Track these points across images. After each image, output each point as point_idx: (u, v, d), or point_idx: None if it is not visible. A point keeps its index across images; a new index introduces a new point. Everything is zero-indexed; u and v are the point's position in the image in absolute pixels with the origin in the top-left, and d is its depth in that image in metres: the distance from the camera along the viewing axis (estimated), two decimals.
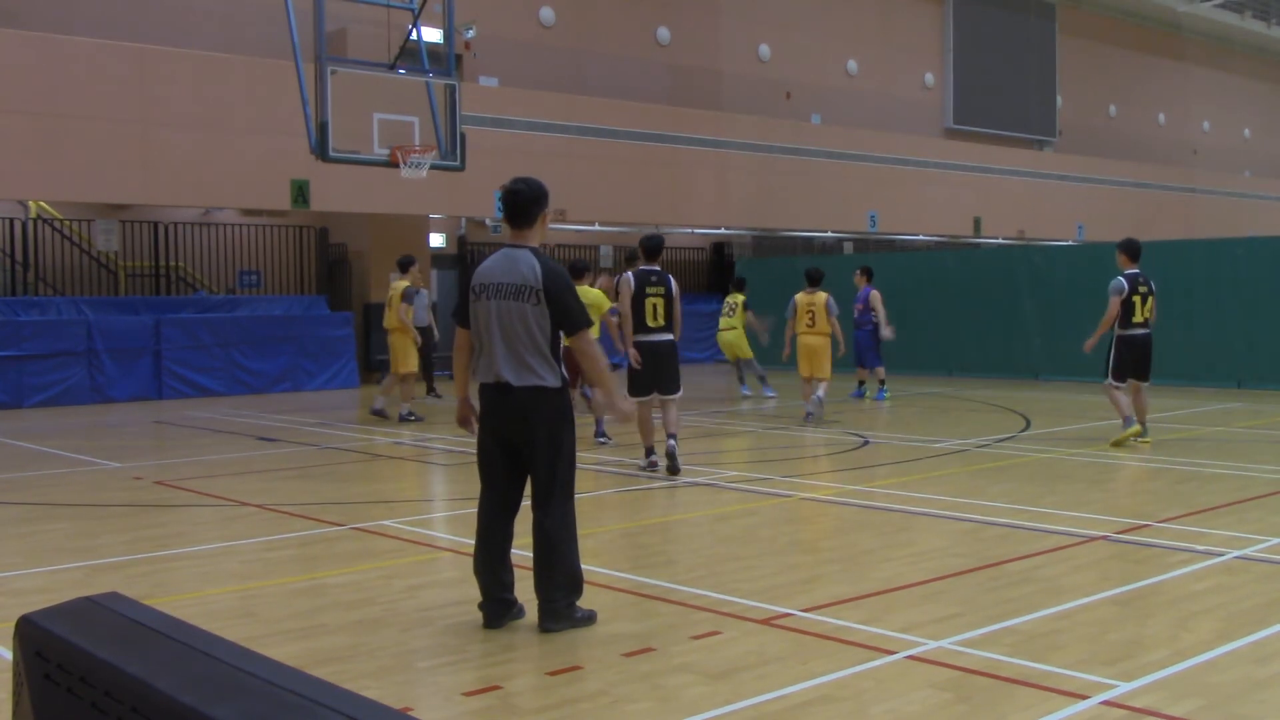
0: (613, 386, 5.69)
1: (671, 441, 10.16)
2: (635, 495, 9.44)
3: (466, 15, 20.67)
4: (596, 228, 24.96)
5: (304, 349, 19.78)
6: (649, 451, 10.39)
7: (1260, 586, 6.27)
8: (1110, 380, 11.72)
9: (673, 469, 10.03)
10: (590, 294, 12.05)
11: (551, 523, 5.50)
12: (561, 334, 5.61)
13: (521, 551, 5.69)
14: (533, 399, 5.46)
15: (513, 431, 5.53)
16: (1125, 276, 11.62)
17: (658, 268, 10.37)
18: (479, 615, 5.64)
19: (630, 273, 10.41)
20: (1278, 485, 9.35)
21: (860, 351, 17.05)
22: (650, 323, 10.25)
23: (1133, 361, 11.64)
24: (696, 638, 5.34)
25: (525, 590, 5.66)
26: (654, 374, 10.30)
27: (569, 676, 4.86)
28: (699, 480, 10.03)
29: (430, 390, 17.73)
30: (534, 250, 5.57)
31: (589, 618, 5.60)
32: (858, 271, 17.58)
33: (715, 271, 29.30)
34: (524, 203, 5.62)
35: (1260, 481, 9.54)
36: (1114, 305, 11.57)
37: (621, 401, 5.80)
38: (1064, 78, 36.24)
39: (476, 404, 5.75)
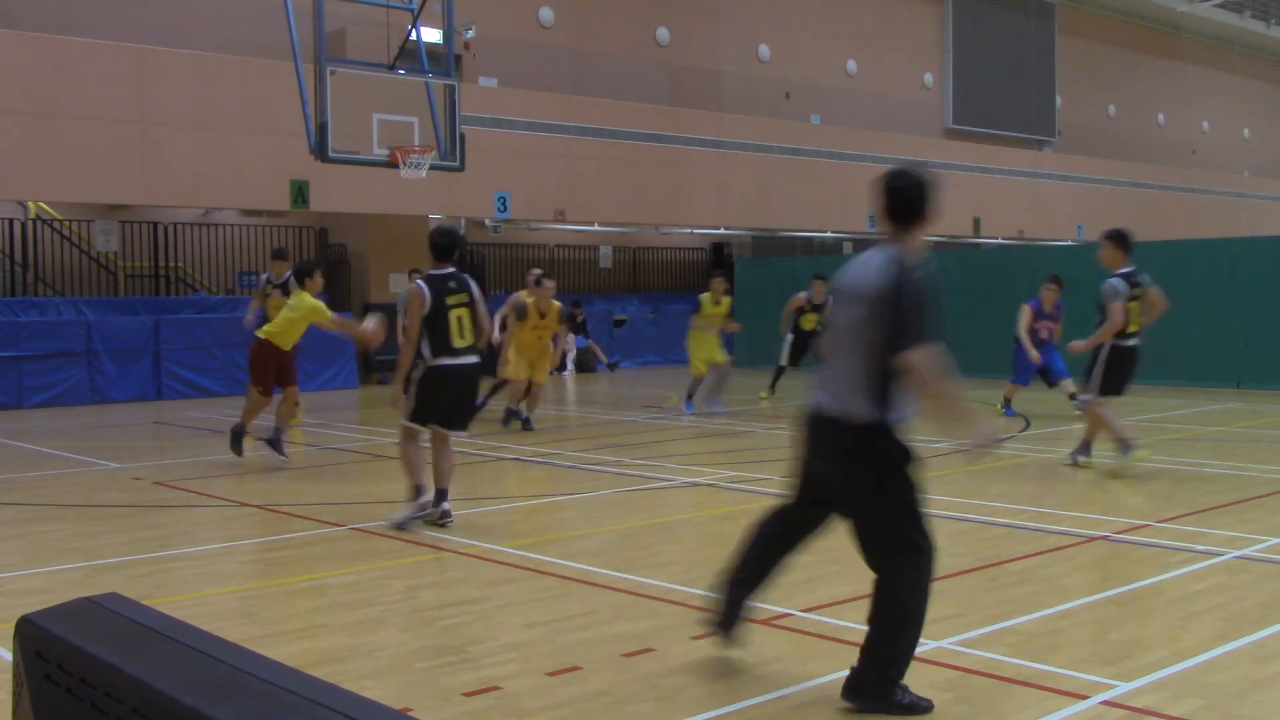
0: (966, 411, 4.69)
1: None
2: (635, 495, 9.43)
3: (466, 16, 20.66)
4: (596, 228, 24.97)
5: (303, 349, 19.73)
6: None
7: (1260, 586, 6.27)
8: (1096, 397, 10.10)
9: None
10: (307, 301, 11.05)
11: (887, 583, 4.56)
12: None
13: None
14: (835, 431, 4.60)
15: (819, 466, 4.77)
16: (1122, 276, 9.88)
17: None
18: (478, 615, 5.63)
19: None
20: (1278, 485, 9.35)
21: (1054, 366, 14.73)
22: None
23: (1121, 377, 10.08)
24: (697, 638, 5.34)
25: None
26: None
27: (569, 677, 4.86)
28: (699, 480, 10.03)
29: None
30: (895, 252, 4.59)
31: (912, 707, 4.46)
32: (1051, 283, 14.59)
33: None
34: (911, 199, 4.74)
35: (1260, 481, 9.54)
36: (1119, 312, 9.76)
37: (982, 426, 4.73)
38: (1063, 78, 36.24)
39: None
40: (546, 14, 25.09)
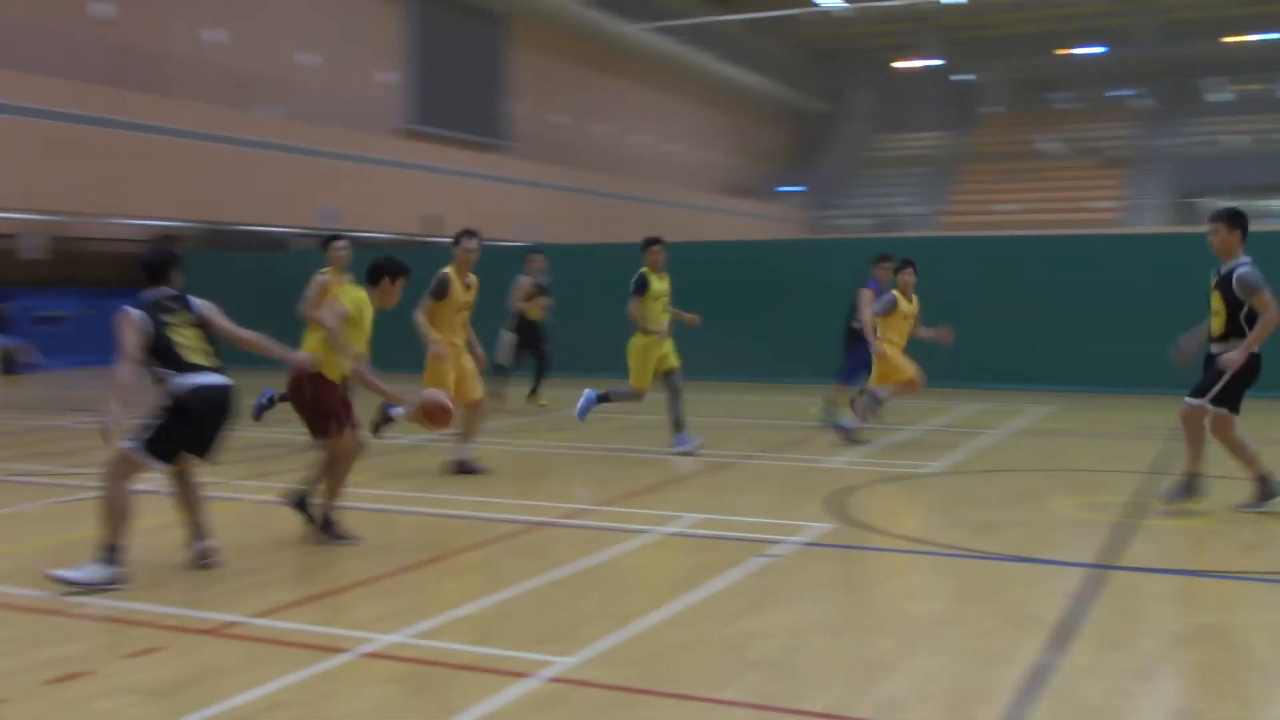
0: None
1: None
2: (69, 507, 8.62)
3: None
4: (20, 215, 22.64)
5: None
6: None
7: (682, 559, 6.96)
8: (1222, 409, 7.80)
9: None
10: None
11: None
12: None
13: None
14: None
15: None
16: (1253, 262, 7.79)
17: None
18: None
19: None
20: (700, 467, 10.32)
21: None
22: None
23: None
24: (135, 655, 4.99)
25: None
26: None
27: None
28: (139, 489, 9.37)
29: None
30: None
31: None
32: (892, 262, 11.78)
33: None
34: None
35: (684, 463, 10.47)
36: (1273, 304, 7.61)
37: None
38: (517, 86, 37.81)
39: None
40: None
